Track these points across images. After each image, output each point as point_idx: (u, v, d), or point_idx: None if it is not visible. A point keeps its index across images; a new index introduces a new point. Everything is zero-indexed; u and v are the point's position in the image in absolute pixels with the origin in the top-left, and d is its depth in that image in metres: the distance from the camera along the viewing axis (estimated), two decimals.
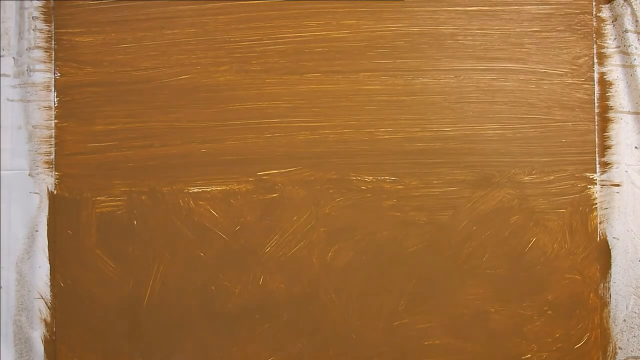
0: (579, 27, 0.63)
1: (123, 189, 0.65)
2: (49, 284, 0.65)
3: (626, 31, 0.62)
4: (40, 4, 0.65)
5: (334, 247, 0.64)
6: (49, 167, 0.65)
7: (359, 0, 0.63)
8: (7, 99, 0.66)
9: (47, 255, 0.65)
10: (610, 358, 0.62)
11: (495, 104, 0.63)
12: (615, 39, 0.63)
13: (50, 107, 0.65)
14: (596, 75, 0.63)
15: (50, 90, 0.65)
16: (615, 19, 0.63)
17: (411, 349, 0.63)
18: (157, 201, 0.65)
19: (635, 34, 0.62)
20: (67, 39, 0.65)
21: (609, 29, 0.63)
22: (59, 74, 0.65)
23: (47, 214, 0.65)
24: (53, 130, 0.65)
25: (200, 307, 0.64)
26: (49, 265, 0.65)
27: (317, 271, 0.64)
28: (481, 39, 0.63)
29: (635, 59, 0.62)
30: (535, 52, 0.63)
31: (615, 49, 0.63)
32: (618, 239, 0.62)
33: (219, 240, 0.64)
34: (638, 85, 0.62)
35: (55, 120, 0.65)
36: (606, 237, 0.62)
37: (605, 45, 0.63)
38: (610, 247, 0.62)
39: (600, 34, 0.63)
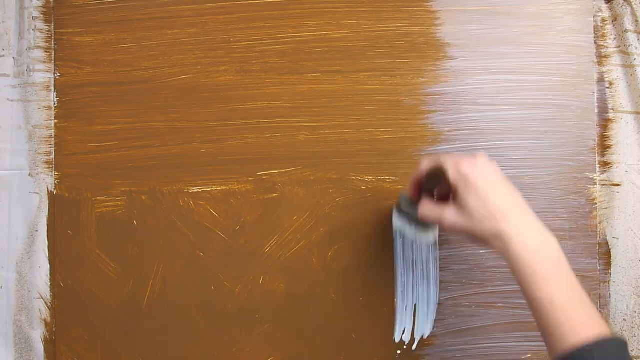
0: (579, 27, 0.63)
1: (123, 189, 0.65)
2: (49, 284, 0.65)
3: (626, 31, 0.62)
4: (40, 4, 0.65)
5: (334, 247, 0.64)
6: (49, 167, 0.65)
7: None
8: (7, 99, 0.66)
9: (47, 255, 0.65)
10: None
11: (496, 104, 0.63)
12: (615, 39, 0.63)
13: (50, 107, 0.65)
14: (596, 75, 0.63)
15: (50, 90, 0.65)
16: (615, 19, 0.63)
17: (411, 348, 0.63)
18: (157, 201, 0.65)
19: (635, 34, 0.62)
20: (67, 39, 0.65)
21: (609, 29, 0.63)
22: (59, 74, 0.65)
23: (47, 214, 0.65)
24: (53, 130, 0.65)
25: (200, 307, 0.64)
26: (49, 265, 0.65)
27: (317, 271, 0.64)
28: (481, 39, 0.63)
29: (635, 59, 0.62)
30: (535, 52, 0.63)
31: (615, 49, 0.63)
32: (618, 239, 0.62)
33: (219, 240, 0.64)
34: (638, 85, 0.62)
35: (55, 120, 0.65)
36: (606, 237, 0.62)
37: (605, 45, 0.63)
38: (610, 247, 0.62)
39: (600, 34, 0.63)
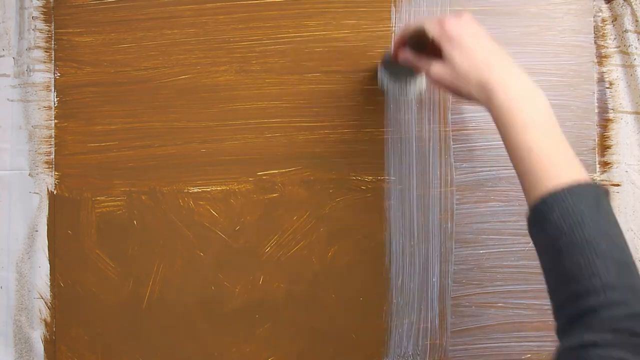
0: (579, 27, 0.63)
1: (123, 189, 0.65)
2: (49, 284, 0.65)
3: (626, 31, 0.62)
4: (40, 4, 0.65)
5: (334, 247, 0.64)
6: (49, 167, 0.65)
7: None
8: (7, 99, 0.66)
9: (47, 255, 0.65)
10: None
11: None
12: (615, 39, 0.63)
13: (50, 107, 0.65)
14: (596, 75, 0.63)
15: (50, 90, 0.65)
16: (615, 19, 0.63)
17: (411, 348, 0.63)
18: (157, 201, 0.65)
19: (635, 34, 0.62)
20: (67, 39, 0.65)
21: (609, 29, 0.63)
22: (59, 74, 0.65)
23: (47, 214, 0.65)
24: (53, 130, 0.65)
25: (200, 307, 0.64)
26: (49, 265, 0.65)
27: (317, 271, 0.64)
28: None
29: (635, 59, 0.62)
30: (535, 52, 0.63)
31: (615, 49, 0.63)
32: None
33: (219, 240, 0.64)
34: (638, 85, 0.62)
35: (55, 120, 0.65)
36: None
37: (605, 45, 0.63)
38: None
39: (600, 34, 0.63)
